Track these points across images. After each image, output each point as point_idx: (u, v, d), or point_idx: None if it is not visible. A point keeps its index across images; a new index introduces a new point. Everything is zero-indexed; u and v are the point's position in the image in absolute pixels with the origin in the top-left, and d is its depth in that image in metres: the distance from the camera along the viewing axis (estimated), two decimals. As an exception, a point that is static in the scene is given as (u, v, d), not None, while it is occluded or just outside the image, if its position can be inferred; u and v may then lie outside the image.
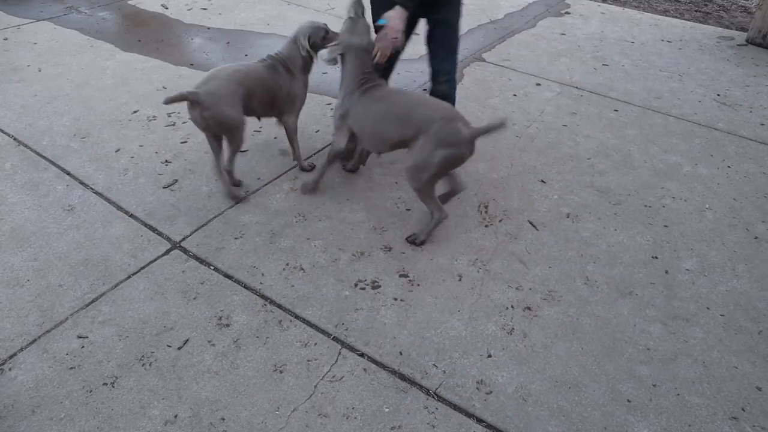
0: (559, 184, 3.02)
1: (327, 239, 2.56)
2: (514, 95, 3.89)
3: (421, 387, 1.95)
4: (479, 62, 4.33)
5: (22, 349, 1.99)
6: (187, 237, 2.51)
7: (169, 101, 2.34)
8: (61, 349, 2.00)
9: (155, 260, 2.39)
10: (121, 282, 2.28)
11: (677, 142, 3.47)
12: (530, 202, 2.87)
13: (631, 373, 2.04)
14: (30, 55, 4.02)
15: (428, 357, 2.05)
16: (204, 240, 2.51)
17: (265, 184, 2.88)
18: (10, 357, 1.97)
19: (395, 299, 2.28)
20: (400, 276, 2.39)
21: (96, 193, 2.75)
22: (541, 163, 3.18)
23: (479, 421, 1.86)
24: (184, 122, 3.28)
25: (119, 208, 2.67)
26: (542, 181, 3.03)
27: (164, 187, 2.81)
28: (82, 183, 2.81)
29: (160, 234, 2.53)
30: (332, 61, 2.57)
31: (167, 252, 2.44)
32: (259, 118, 2.87)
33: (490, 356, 2.07)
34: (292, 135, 2.87)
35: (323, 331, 2.13)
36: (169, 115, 3.40)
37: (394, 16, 2.45)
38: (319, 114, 3.53)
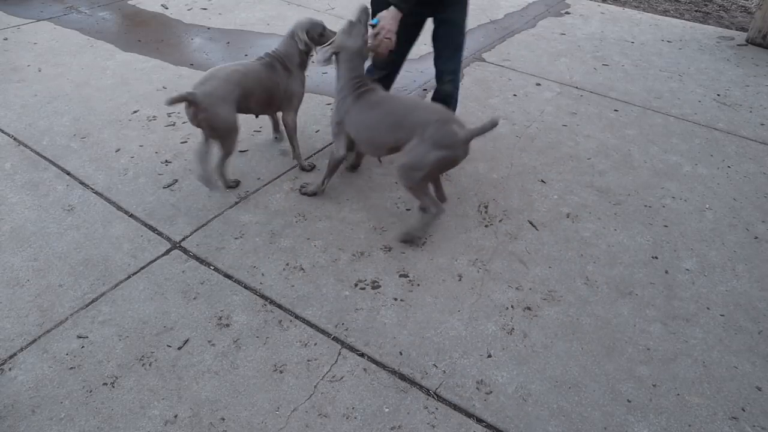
0: (559, 184, 3.02)
1: (327, 239, 2.56)
2: (514, 95, 3.89)
3: (421, 387, 1.95)
4: (479, 62, 4.33)
5: (22, 349, 1.99)
6: (187, 237, 2.52)
7: (171, 102, 2.34)
8: (61, 349, 2.00)
9: (155, 260, 2.39)
10: (121, 282, 2.28)
11: (677, 142, 3.47)
12: (530, 202, 2.87)
13: (631, 373, 2.04)
14: (30, 55, 4.02)
15: (428, 357, 2.05)
16: (204, 240, 2.51)
17: (265, 184, 2.88)
18: (10, 357, 1.97)
19: (395, 299, 2.28)
20: (400, 276, 2.39)
21: (96, 193, 2.75)
22: (541, 163, 3.18)
23: (479, 421, 1.86)
24: (184, 122, 3.28)
25: (119, 208, 2.67)
26: (542, 181, 3.03)
27: (164, 187, 2.81)
28: (82, 183, 2.81)
29: (160, 234, 2.53)
30: (325, 62, 2.55)
31: (167, 252, 2.44)
32: (256, 116, 2.86)
33: (490, 356, 2.07)
34: (291, 133, 2.87)
35: (323, 331, 2.13)
36: (169, 115, 3.40)
37: (387, 17, 2.45)
38: (318, 114, 3.53)
